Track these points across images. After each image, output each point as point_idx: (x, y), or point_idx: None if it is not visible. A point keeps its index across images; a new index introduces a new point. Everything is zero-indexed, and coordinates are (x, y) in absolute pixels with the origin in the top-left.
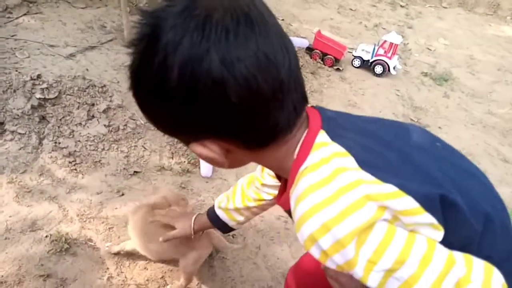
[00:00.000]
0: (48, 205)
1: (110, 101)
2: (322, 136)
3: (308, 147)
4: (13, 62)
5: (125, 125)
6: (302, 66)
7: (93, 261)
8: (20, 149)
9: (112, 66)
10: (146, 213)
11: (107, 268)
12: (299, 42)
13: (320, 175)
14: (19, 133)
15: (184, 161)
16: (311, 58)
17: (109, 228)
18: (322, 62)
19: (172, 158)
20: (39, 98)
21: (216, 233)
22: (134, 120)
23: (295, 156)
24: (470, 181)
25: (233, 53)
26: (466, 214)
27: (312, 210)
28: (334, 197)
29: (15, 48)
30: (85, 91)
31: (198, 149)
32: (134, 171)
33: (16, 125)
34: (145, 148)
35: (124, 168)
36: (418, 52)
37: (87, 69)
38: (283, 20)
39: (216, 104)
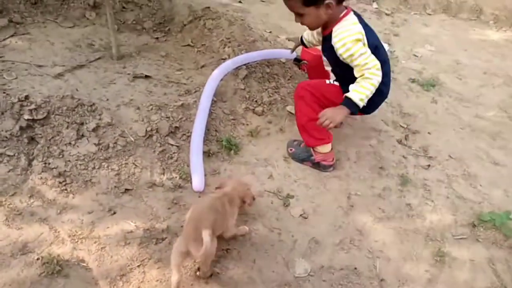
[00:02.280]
0: (39, 227)
1: (100, 119)
2: (352, 13)
3: (348, 13)
4: (1, 84)
5: (115, 142)
6: (291, 77)
7: (86, 282)
8: (9, 171)
9: (101, 84)
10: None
11: None
12: (286, 54)
13: (351, 21)
14: (8, 155)
15: (176, 177)
16: (299, 68)
17: (102, 248)
18: None
19: (164, 174)
20: (28, 119)
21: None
22: (124, 137)
23: (341, 16)
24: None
25: None
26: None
27: (346, 29)
28: (353, 27)
29: (2, 70)
30: (74, 110)
31: (322, 10)
32: (126, 189)
33: (5, 147)
34: (136, 165)
35: (115, 186)
36: (405, 59)
37: (76, 89)
38: (270, 32)
39: None
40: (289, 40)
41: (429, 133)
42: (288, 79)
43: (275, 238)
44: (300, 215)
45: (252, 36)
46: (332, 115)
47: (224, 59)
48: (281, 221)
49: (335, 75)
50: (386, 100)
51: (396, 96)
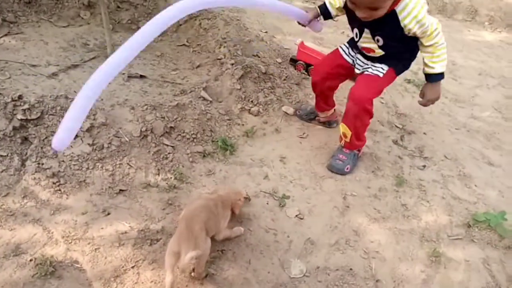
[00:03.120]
0: (32, 228)
1: (94, 119)
2: None
3: None
4: None
5: (110, 143)
6: (286, 77)
7: (80, 284)
8: (2, 171)
9: None
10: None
11: None
12: (302, 15)
13: None
14: (1, 155)
15: (171, 177)
16: (295, 69)
17: (96, 249)
18: (306, 73)
19: (158, 174)
20: (21, 119)
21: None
22: (118, 137)
23: None
24: None
25: None
26: None
27: (415, 6)
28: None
29: None
30: (68, 110)
31: None
32: (120, 190)
33: None
34: (130, 165)
35: (109, 187)
36: None
37: (71, 88)
38: (266, 32)
39: None
40: (306, 12)
41: (424, 133)
42: (284, 79)
43: (271, 238)
44: (296, 215)
45: (248, 36)
46: (433, 96)
47: (220, 59)
48: (276, 221)
49: (385, 48)
50: (381, 100)
51: (391, 97)
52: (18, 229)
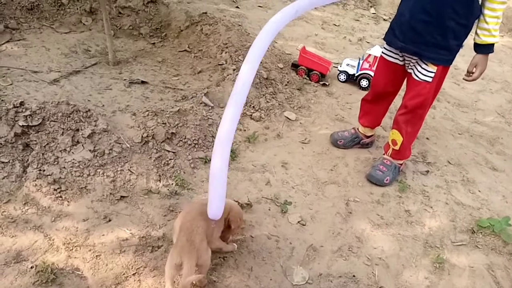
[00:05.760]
0: (33, 235)
1: (95, 125)
2: None
3: None
4: None
5: (111, 149)
6: (288, 82)
7: None
8: (3, 178)
9: (96, 90)
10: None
11: None
12: None
13: None
14: (2, 162)
15: (172, 183)
16: (297, 74)
17: (97, 256)
18: (308, 78)
19: (160, 180)
20: (23, 126)
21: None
22: (119, 144)
23: None
24: None
25: None
26: None
27: None
28: None
29: None
30: (69, 116)
31: None
32: (121, 196)
33: None
34: (131, 172)
35: (110, 193)
36: None
37: (72, 95)
38: None
39: None
40: None
41: (427, 138)
42: (286, 85)
43: (273, 245)
44: (298, 222)
45: (249, 42)
46: (484, 67)
47: (221, 65)
48: (278, 228)
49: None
50: None
51: (394, 102)
52: (19, 236)
